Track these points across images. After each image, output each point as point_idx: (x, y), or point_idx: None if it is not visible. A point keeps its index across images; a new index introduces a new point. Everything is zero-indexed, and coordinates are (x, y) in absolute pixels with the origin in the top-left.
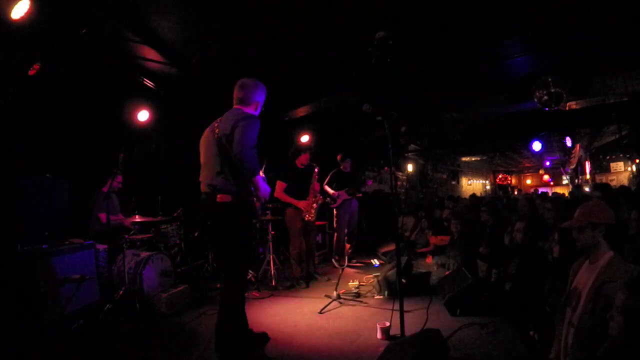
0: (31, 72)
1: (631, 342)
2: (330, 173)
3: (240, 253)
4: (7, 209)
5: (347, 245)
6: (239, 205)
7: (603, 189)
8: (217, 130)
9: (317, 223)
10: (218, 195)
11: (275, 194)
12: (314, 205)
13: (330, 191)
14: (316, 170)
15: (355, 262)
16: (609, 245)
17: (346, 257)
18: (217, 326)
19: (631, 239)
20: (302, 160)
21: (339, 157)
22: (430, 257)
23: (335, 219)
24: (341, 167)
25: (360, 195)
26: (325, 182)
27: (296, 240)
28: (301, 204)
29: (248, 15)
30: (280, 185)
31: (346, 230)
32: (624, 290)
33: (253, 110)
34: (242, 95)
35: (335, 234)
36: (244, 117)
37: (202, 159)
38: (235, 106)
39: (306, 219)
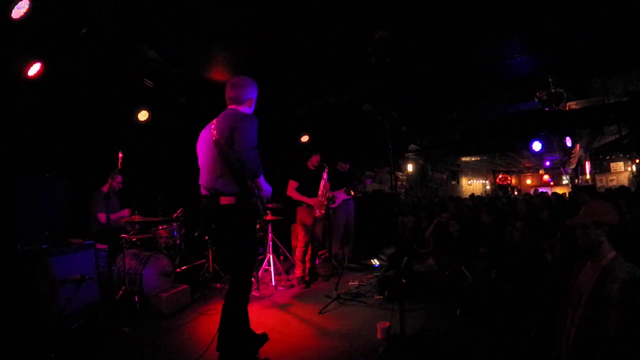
0: (32, 73)
1: (628, 340)
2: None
3: (246, 255)
4: (7, 209)
5: (335, 249)
6: (243, 207)
7: (589, 192)
8: (214, 132)
9: None
10: (221, 198)
11: (287, 193)
12: (324, 202)
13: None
14: (326, 170)
15: (355, 265)
16: (612, 246)
17: (346, 258)
18: (219, 326)
19: (632, 239)
20: (313, 161)
21: (335, 157)
22: (432, 258)
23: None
24: (337, 166)
25: (360, 195)
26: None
27: (304, 238)
28: (313, 201)
29: (248, 15)
30: (292, 184)
31: (342, 231)
32: (622, 290)
33: (248, 107)
34: (234, 94)
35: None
36: (242, 118)
37: (200, 162)
38: (229, 106)
39: (316, 215)
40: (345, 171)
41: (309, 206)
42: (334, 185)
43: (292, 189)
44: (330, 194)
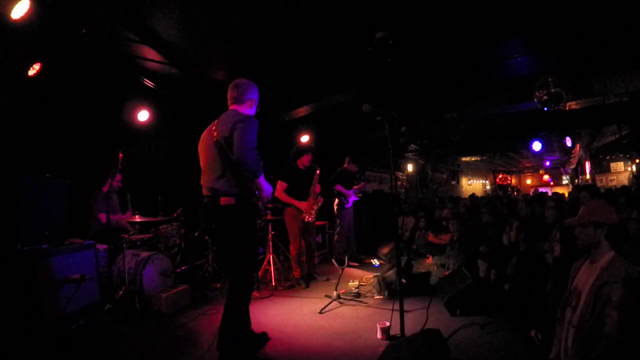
0: (32, 73)
1: (625, 339)
2: (337, 172)
3: (246, 255)
4: (7, 209)
5: (339, 247)
6: (243, 208)
7: (590, 190)
8: (215, 133)
9: (317, 223)
10: (221, 198)
11: (276, 194)
12: (314, 207)
13: (344, 190)
14: (317, 172)
15: (356, 264)
16: (611, 246)
17: (346, 258)
18: (220, 326)
19: (631, 239)
20: (304, 161)
21: (347, 160)
22: (430, 257)
23: (338, 220)
24: (346, 167)
25: (361, 195)
26: (333, 181)
27: (296, 240)
28: (302, 205)
29: (248, 15)
30: (281, 185)
31: (350, 230)
32: (621, 287)
33: (248, 108)
34: (236, 94)
35: (337, 236)
36: (243, 119)
37: (202, 162)
38: (230, 107)
39: (306, 220)
40: (353, 173)
41: (297, 209)
42: (346, 186)
43: (280, 191)
44: (321, 198)
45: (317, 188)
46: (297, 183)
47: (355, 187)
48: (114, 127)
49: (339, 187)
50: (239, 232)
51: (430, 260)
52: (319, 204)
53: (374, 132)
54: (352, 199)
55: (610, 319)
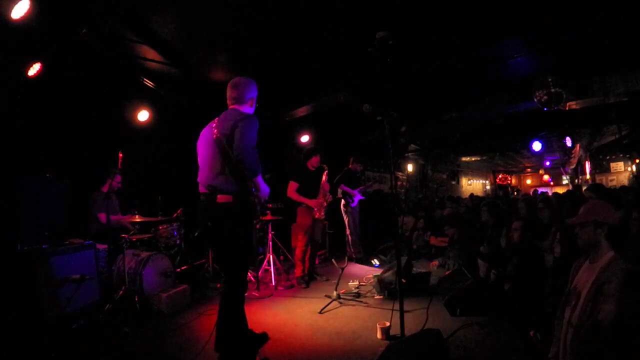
0: (32, 73)
1: (616, 330)
2: (342, 172)
3: (242, 253)
4: (7, 209)
5: (354, 247)
6: (240, 206)
7: (596, 190)
8: (215, 131)
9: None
10: (218, 196)
11: (288, 194)
12: (324, 204)
13: (349, 190)
14: (326, 171)
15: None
16: (610, 246)
17: (346, 258)
18: (217, 326)
19: (632, 239)
20: (314, 162)
21: (352, 160)
22: (436, 262)
23: (347, 220)
24: (350, 167)
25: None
26: (339, 181)
27: (304, 238)
28: (312, 202)
29: (248, 15)
30: (292, 185)
31: (348, 232)
32: (619, 279)
33: (249, 107)
34: (236, 94)
35: (350, 236)
36: (243, 118)
37: (200, 160)
38: (231, 106)
39: (316, 216)
40: (357, 172)
41: (309, 207)
42: (351, 185)
43: (292, 190)
44: (330, 196)
45: (326, 186)
46: (308, 183)
47: (360, 187)
48: (114, 127)
49: (344, 187)
50: (236, 230)
51: (435, 264)
52: (329, 200)
53: (374, 132)
54: (358, 197)
55: (605, 305)
